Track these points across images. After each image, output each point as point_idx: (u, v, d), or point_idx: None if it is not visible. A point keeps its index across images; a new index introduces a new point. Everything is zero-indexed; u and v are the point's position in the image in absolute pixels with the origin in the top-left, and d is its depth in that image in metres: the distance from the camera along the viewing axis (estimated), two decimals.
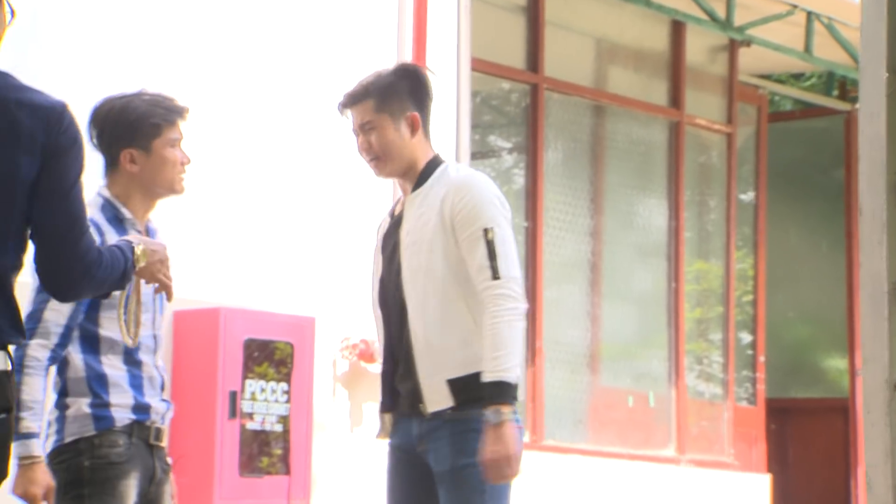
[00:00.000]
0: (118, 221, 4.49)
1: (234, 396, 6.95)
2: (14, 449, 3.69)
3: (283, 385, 7.13)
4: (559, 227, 9.05)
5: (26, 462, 4.29)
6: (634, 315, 9.60)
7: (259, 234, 7.51)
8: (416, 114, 4.62)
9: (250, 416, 7.02)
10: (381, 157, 4.61)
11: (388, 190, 7.94)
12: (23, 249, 3.32)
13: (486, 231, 4.49)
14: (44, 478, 4.31)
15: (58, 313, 4.36)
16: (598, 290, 9.28)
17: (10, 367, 3.32)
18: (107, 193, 4.50)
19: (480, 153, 9.13)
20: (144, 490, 4.51)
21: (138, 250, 3.61)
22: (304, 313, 7.33)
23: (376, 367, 7.70)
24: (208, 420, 6.85)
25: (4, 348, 3.31)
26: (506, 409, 4.40)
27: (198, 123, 7.08)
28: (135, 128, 4.56)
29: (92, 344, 4.46)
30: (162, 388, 4.58)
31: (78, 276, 3.36)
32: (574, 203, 9.21)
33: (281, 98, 7.67)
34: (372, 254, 4.77)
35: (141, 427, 4.48)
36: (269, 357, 7.14)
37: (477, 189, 4.55)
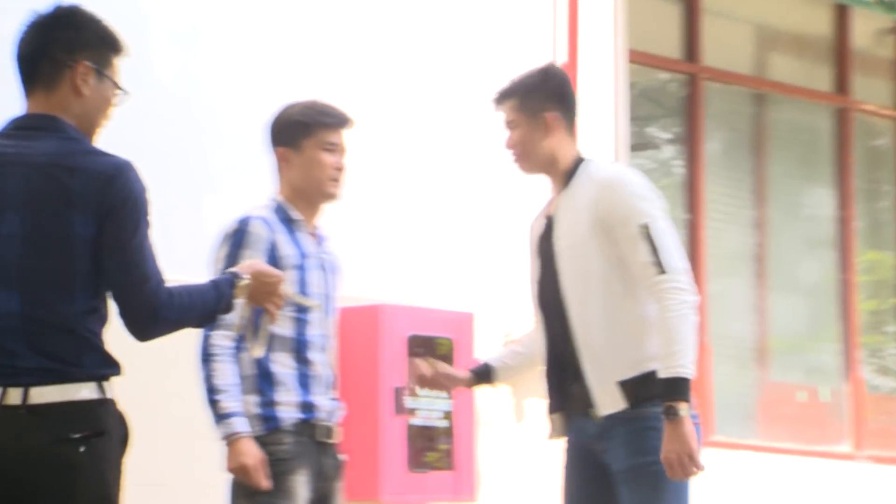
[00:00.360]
0: (289, 222, 4.66)
1: (398, 393, 7.03)
2: (218, 431, 4.49)
3: None
4: (721, 219, 9.00)
5: (232, 439, 4.48)
6: (803, 308, 9.51)
7: (418, 231, 7.62)
8: (556, 114, 4.68)
9: (414, 412, 7.09)
10: (519, 155, 4.73)
11: (542, 185, 7.97)
12: (96, 296, 3.65)
13: (643, 227, 4.48)
14: (252, 449, 4.49)
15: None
16: (764, 283, 9.21)
17: (102, 396, 3.60)
18: (278, 196, 4.72)
19: (639, 145, 9.10)
20: (315, 486, 4.62)
21: (241, 284, 3.78)
22: (463, 309, 7.37)
23: None
24: (373, 416, 6.92)
25: (95, 380, 3.61)
26: (683, 406, 4.39)
27: (359, 123, 7.22)
28: (288, 127, 4.72)
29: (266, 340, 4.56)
30: (330, 387, 4.67)
31: (146, 320, 3.65)
32: (736, 194, 9.17)
33: (437, 95, 7.77)
34: (528, 251, 4.81)
35: (308, 425, 4.60)
36: (432, 353, 7.21)
37: (626, 185, 4.57)
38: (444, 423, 7.18)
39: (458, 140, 7.78)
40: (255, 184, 6.57)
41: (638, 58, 8.64)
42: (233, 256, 4.56)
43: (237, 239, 4.59)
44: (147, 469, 6.52)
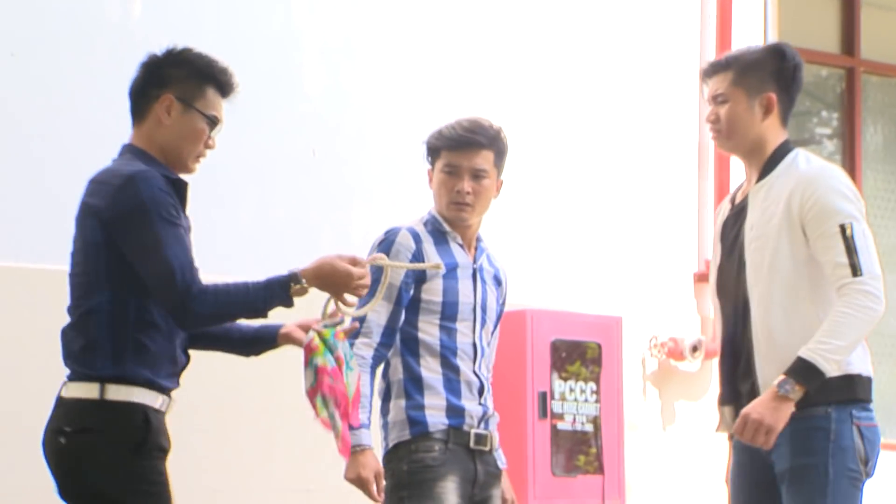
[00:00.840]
0: (440, 234, 4.80)
1: (543, 397, 7.10)
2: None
3: (592, 385, 7.25)
4: (881, 215, 8.93)
5: (357, 450, 4.61)
6: None
7: (566, 235, 7.68)
8: (774, 95, 4.55)
9: (561, 416, 7.17)
10: (724, 131, 4.57)
11: (692, 187, 8.01)
12: (114, 298, 4.08)
13: (842, 227, 4.37)
14: (373, 463, 4.63)
15: (378, 314, 4.68)
16: None
17: (100, 397, 4.06)
18: (434, 209, 4.86)
19: (798, 141, 9.07)
20: (468, 493, 4.73)
21: (296, 287, 4.06)
22: (610, 313, 7.44)
23: (686, 365, 7.78)
24: (520, 421, 7.01)
25: (98, 381, 4.08)
26: (798, 390, 4.32)
27: (508, 127, 7.32)
28: (426, 147, 4.84)
29: (411, 347, 4.74)
30: (480, 393, 4.76)
31: (179, 313, 4.04)
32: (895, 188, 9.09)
33: (586, 98, 7.80)
34: (713, 241, 4.72)
35: (457, 432, 4.72)
36: (582, 356, 7.28)
37: (829, 183, 4.44)
38: (589, 428, 7.25)
39: (606, 142, 7.81)
40: (402, 195, 6.76)
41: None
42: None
43: (383, 248, 4.74)
44: (295, 475, 6.77)
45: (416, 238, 4.74)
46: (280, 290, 4.06)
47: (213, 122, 4.22)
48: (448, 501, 4.68)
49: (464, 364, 4.74)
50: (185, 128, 4.18)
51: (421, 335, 4.73)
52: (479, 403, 4.75)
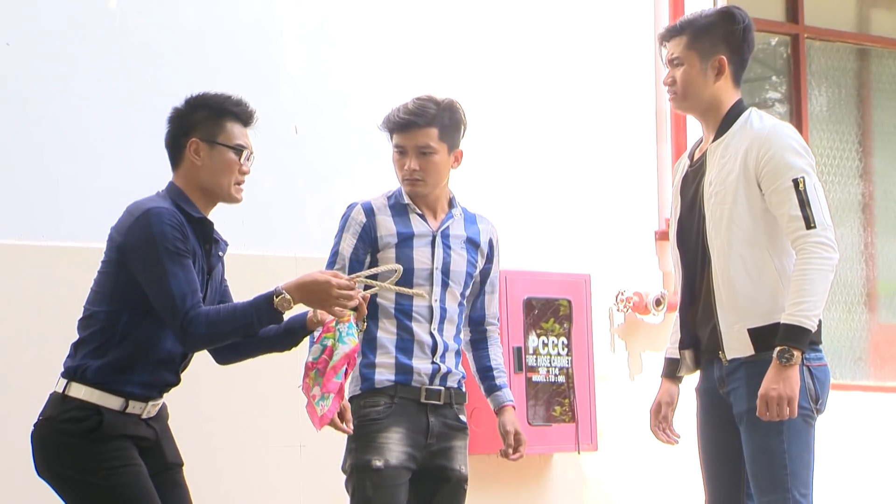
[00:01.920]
0: (401, 206, 4.93)
1: (518, 352, 7.16)
2: None
3: (564, 339, 7.32)
4: (828, 172, 9.00)
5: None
6: None
7: (533, 200, 7.64)
8: (725, 57, 4.56)
9: (535, 369, 7.24)
10: (679, 93, 4.60)
11: (650, 150, 8.08)
12: (110, 312, 4.36)
13: (795, 182, 4.41)
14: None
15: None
16: (870, 230, 9.17)
17: (65, 392, 4.38)
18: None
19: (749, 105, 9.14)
20: (421, 444, 4.80)
21: (278, 298, 4.28)
22: (578, 271, 7.47)
23: (651, 318, 7.85)
24: None
25: (66, 377, 4.41)
26: (797, 354, 4.37)
27: (478, 98, 7.39)
28: (383, 129, 5.00)
29: (371, 311, 4.83)
30: (434, 353, 4.82)
31: (179, 335, 4.30)
32: (841, 146, 9.14)
33: (545, 64, 7.78)
34: (672, 196, 4.76)
35: (405, 388, 4.79)
36: (555, 313, 7.35)
37: (782, 140, 4.47)
38: (563, 379, 7.33)
39: (569, 112, 7.78)
40: (380, 169, 6.77)
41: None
42: (337, 238, 4.95)
43: (342, 222, 4.96)
44: (289, 432, 6.83)
45: (369, 212, 4.89)
46: (265, 305, 4.28)
47: (240, 150, 4.45)
48: (391, 451, 4.77)
49: (418, 326, 4.84)
50: (217, 163, 4.42)
51: (378, 300, 4.85)
52: (432, 362, 4.83)
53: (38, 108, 6.37)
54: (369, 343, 4.86)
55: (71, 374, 4.37)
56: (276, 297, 4.27)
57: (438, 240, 4.92)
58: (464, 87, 7.41)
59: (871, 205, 9.24)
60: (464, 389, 4.98)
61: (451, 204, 4.99)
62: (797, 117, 8.90)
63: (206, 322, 4.26)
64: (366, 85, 7.14)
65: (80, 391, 4.33)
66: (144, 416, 4.42)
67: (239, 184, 4.49)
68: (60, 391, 4.37)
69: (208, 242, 4.45)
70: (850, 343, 8.94)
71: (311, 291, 4.29)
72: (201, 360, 6.50)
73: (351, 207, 4.96)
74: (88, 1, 6.54)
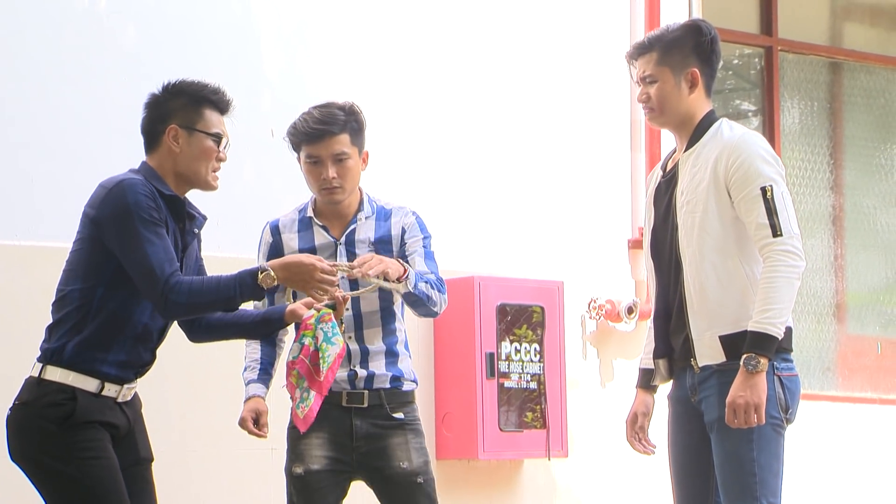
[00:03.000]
0: (306, 220, 4.96)
1: (491, 358, 7.15)
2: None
3: (536, 346, 7.31)
4: (799, 184, 9.02)
5: (246, 399, 5.00)
6: (880, 263, 9.49)
7: (507, 206, 7.68)
8: (697, 69, 4.57)
9: (507, 375, 7.22)
10: (656, 109, 4.62)
11: (624, 159, 8.07)
12: (84, 289, 4.34)
13: (763, 190, 4.42)
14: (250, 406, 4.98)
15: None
16: (840, 242, 9.21)
17: (39, 376, 4.36)
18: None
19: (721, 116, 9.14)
20: (347, 446, 4.84)
21: (262, 274, 4.31)
22: (552, 278, 7.49)
23: (623, 326, 7.84)
24: (469, 380, 7.08)
25: (41, 361, 4.37)
26: (763, 361, 4.37)
27: (453, 105, 7.37)
28: (290, 141, 5.04)
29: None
30: (354, 360, 4.86)
31: (159, 304, 4.30)
32: (813, 158, 9.17)
33: (522, 73, 7.82)
34: (646, 206, 4.77)
35: (332, 394, 4.79)
36: (528, 320, 7.34)
37: (751, 149, 4.48)
38: (535, 385, 7.31)
39: (545, 121, 7.80)
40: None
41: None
42: (257, 258, 5.03)
43: (258, 244, 5.04)
44: None
45: (275, 231, 4.96)
46: (249, 279, 4.29)
47: (218, 138, 4.48)
48: (312, 456, 4.85)
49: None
50: (195, 149, 4.44)
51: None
52: (350, 369, 4.85)
53: (15, 108, 6.32)
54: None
55: (47, 356, 4.36)
56: (261, 273, 4.30)
57: (342, 248, 4.93)
58: (441, 94, 7.41)
59: (842, 217, 9.27)
60: (404, 388, 4.95)
61: (359, 207, 4.97)
62: (770, 129, 8.92)
63: (187, 291, 4.27)
64: (342, 89, 7.11)
65: (55, 374, 4.31)
66: (120, 400, 4.41)
67: (215, 171, 4.51)
68: (36, 375, 4.35)
69: (181, 220, 4.46)
70: (818, 353, 8.97)
71: (295, 272, 4.34)
72: (175, 361, 6.47)
73: (264, 227, 5.05)
74: (68, 4, 6.49)
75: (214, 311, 4.43)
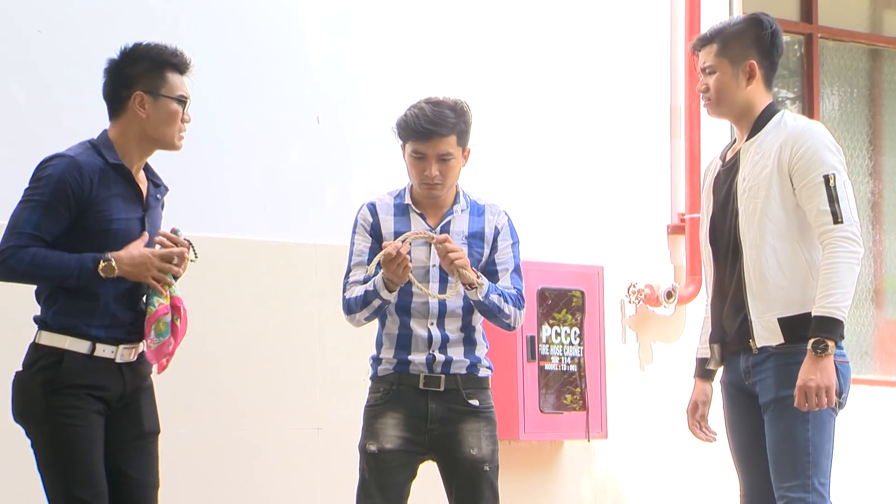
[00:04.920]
0: (403, 206, 5.01)
1: (531, 341, 7.17)
2: None
3: (576, 329, 7.32)
4: None
5: None
6: None
7: (550, 193, 7.72)
8: (755, 62, 4.61)
9: (548, 358, 7.23)
10: (713, 99, 4.65)
11: (664, 146, 8.06)
12: (67, 251, 4.44)
13: (826, 178, 4.47)
14: None
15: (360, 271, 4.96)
16: (879, 227, 9.17)
17: (36, 341, 4.46)
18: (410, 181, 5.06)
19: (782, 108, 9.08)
20: (422, 428, 4.91)
21: (103, 263, 4.39)
22: (592, 263, 7.51)
23: (662, 310, 7.84)
24: (510, 363, 7.09)
25: (38, 327, 4.45)
26: (831, 344, 4.42)
27: (496, 93, 7.35)
28: (398, 133, 5.03)
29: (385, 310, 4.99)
30: (429, 345, 4.93)
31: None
32: (852, 145, 9.13)
33: (567, 66, 7.81)
34: (704, 195, 4.79)
35: (406, 376, 4.92)
36: (568, 304, 7.34)
37: (815, 137, 4.55)
38: (574, 368, 7.31)
39: (588, 110, 7.83)
40: (396, 158, 6.77)
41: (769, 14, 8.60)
42: (352, 239, 5.04)
43: (353, 225, 5.04)
44: (307, 415, 6.84)
45: (373, 212, 4.98)
46: (90, 262, 4.36)
47: (183, 101, 4.50)
48: (386, 435, 4.89)
49: (416, 322, 4.92)
50: (161, 113, 4.47)
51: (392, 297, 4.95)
52: (428, 354, 4.91)
53: (69, 96, 6.33)
54: (378, 339, 5.02)
55: (39, 323, 4.46)
56: (103, 262, 4.37)
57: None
58: (484, 84, 7.44)
59: (880, 203, 9.25)
60: (479, 374, 5.01)
61: (455, 200, 5.02)
62: (809, 115, 8.88)
63: (30, 261, 4.36)
64: (385, 79, 7.15)
65: (48, 338, 4.41)
66: (119, 360, 4.46)
67: (181, 131, 4.54)
68: (33, 340, 4.46)
69: (132, 184, 4.51)
70: (856, 338, 8.95)
71: (133, 265, 4.41)
72: (226, 345, 6.52)
73: (360, 208, 5.07)
74: None
75: (50, 282, 4.45)
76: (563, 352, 7.25)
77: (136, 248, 4.44)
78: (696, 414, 4.86)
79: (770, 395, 4.56)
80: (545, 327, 7.23)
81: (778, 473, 4.57)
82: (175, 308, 4.52)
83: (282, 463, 6.74)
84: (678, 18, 8.05)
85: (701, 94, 4.70)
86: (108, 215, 4.44)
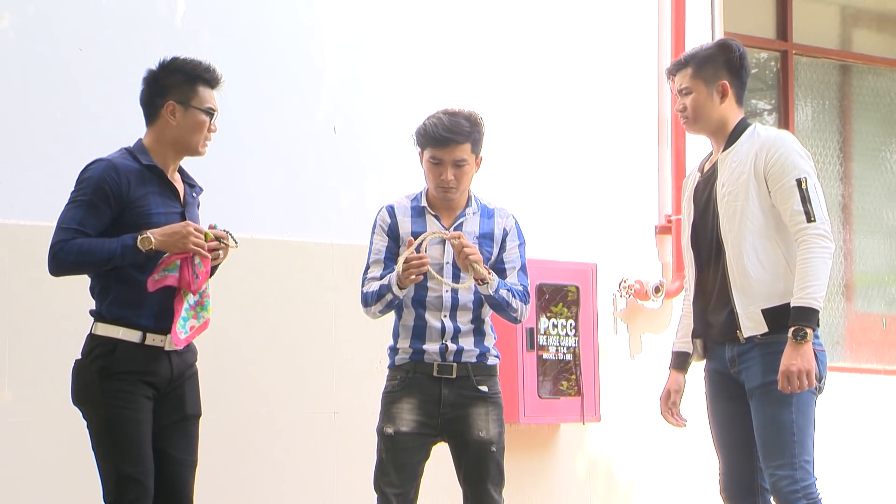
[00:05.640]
0: (419, 209, 5.05)
1: (531, 332, 7.18)
2: None
3: (571, 321, 7.33)
4: None
5: None
6: (884, 248, 9.47)
7: (546, 194, 7.66)
8: (727, 82, 4.69)
9: (545, 348, 7.25)
10: (691, 118, 4.74)
11: (652, 153, 8.07)
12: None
13: (799, 181, 4.56)
14: None
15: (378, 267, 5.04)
16: (849, 228, 9.18)
17: (91, 332, 4.51)
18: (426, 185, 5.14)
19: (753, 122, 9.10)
20: (435, 412, 4.95)
21: (141, 237, 4.42)
22: (586, 260, 7.50)
23: (650, 304, 7.85)
24: (511, 352, 7.11)
25: (95, 319, 4.49)
26: (809, 331, 4.48)
27: (495, 99, 7.36)
28: (416, 140, 5.04)
29: (402, 301, 5.03)
30: (442, 336, 4.95)
31: (49, 256, 4.45)
32: (824, 152, 9.14)
33: (563, 77, 7.81)
34: (685, 204, 4.87)
35: (421, 364, 4.96)
36: (564, 298, 7.35)
37: (786, 145, 4.64)
38: (570, 357, 7.33)
39: (581, 119, 7.79)
40: (407, 166, 6.82)
41: (736, 39, 8.64)
42: (371, 238, 5.11)
43: (373, 226, 5.11)
44: (324, 400, 6.86)
45: (392, 214, 5.04)
46: (129, 240, 4.41)
47: (210, 112, 4.57)
48: (402, 419, 4.93)
49: (430, 313, 4.97)
50: (190, 123, 4.55)
51: (406, 292, 5.03)
52: (441, 343, 4.95)
53: (105, 107, 6.37)
54: (395, 330, 5.05)
55: (95, 315, 4.53)
56: (140, 237, 4.41)
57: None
58: (486, 95, 7.44)
59: (850, 205, 9.25)
60: (488, 362, 5.07)
61: (467, 203, 5.09)
62: (785, 126, 8.90)
63: (75, 251, 4.39)
64: (395, 92, 7.16)
65: (103, 329, 4.47)
66: (168, 348, 4.50)
67: (207, 140, 4.62)
68: (90, 331, 4.53)
69: (166, 184, 4.57)
70: (829, 329, 8.95)
71: (168, 236, 4.43)
72: (247, 333, 6.54)
73: (380, 209, 5.14)
74: (152, 13, 6.56)
75: (98, 270, 4.48)
76: (559, 342, 7.26)
77: (165, 227, 4.50)
78: (669, 401, 4.95)
79: (756, 381, 4.62)
80: (543, 320, 7.24)
81: (766, 454, 4.62)
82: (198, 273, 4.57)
83: (301, 444, 6.75)
84: (664, 37, 8.07)
85: (679, 114, 4.78)
86: (147, 210, 4.51)
